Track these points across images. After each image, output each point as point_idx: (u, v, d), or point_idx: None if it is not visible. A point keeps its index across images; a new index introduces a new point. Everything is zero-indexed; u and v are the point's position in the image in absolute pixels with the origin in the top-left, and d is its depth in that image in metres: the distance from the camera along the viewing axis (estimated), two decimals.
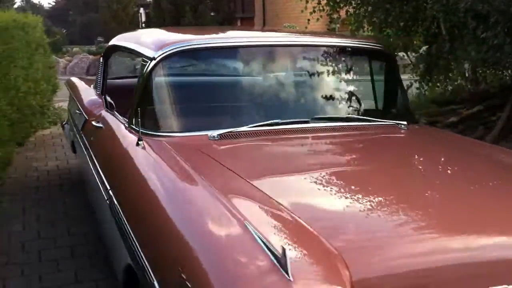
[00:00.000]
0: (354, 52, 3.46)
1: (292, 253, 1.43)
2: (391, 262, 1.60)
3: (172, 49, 2.86)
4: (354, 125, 2.93)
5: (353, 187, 2.16)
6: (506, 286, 1.57)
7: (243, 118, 2.83)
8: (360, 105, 3.26)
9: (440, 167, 2.56)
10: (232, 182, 2.04)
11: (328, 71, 3.33)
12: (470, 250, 1.68)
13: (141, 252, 1.94)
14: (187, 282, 1.50)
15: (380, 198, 2.00)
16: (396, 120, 3.03)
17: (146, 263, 1.86)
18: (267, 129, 2.65)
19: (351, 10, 7.88)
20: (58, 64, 14.27)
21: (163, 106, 2.86)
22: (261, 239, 1.46)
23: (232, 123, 2.69)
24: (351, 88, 3.33)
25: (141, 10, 36.60)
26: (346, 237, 1.70)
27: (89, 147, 3.59)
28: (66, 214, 4.50)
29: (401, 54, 11.31)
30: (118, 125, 3.11)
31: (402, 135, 2.98)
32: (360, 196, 2.04)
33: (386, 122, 3.03)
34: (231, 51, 3.22)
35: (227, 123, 2.70)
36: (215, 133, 2.55)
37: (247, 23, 26.19)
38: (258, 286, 1.36)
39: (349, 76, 3.42)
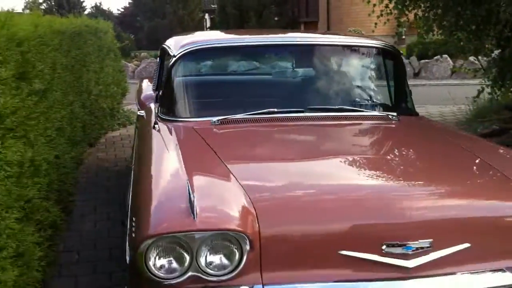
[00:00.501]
0: (358, 50, 3.74)
1: (209, 201, 2.06)
2: (305, 201, 2.21)
3: (187, 49, 3.37)
4: (344, 115, 3.23)
5: (302, 162, 2.69)
6: (398, 242, 2.00)
7: (243, 107, 3.20)
8: (356, 97, 3.59)
9: (396, 150, 2.99)
10: (203, 155, 2.60)
11: (328, 67, 3.75)
12: (373, 210, 2.13)
13: (129, 203, 2.62)
14: (133, 217, 2.21)
15: (315, 170, 2.55)
16: (389, 112, 3.32)
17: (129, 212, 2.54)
18: (264, 117, 3.08)
19: (420, 13, 7.68)
20: (127, 68, 14.71)
21: (177, 96, 3.35)
22: (189, 192, 2.00)
23: (233, 111, 3.11)
24: (348, 82, 3.69)
25: (206, 15, 37.33)
26: (267, 195, 2.25)
27: (135, 134, 4.11)
28: None
29: (471, 58, 10.92)
30: (153, 113, 3.53)
31: (387, 125, 3.27)
32: (301, 168, 2.58)
33: (375, 113, 3.39)
34: (237, 50, 3.74)
35: (229, 111, 3.11)
36: (215, 118, 3.02)
37: (311, 27, 26.07)
38: (170, 220, 2.00)
39: (351, 72, 3.76)
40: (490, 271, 2.14)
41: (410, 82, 14.09)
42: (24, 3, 38.52)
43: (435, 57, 14.27)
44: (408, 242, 2.02)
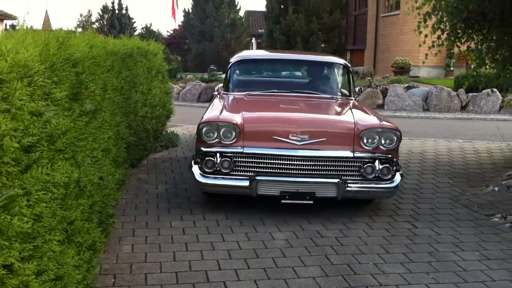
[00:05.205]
0: (326, 63, 7.28)
1: (227, 114, 5.46)
2: (263, 118, 5.71)
3: (237, 59, 7.12)
4: (309, 95, 6.57)
5: (276, 108, 6.01)
6: (295, 134, 5.10)
7: (261, 89, 6.63)
8: (319, 87, 6.88)
9: (319, 105, 6.36)
10: (234, 104, 6.05)
11: (308, 72, 7.56)
12: (287, 113, 5.89)
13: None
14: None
15: (278, 107, 6.04)
16: (336, 96, 6.63)
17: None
18: (270, 93, 6.51)
19: (472, 45, 7.52)
20: (172, 90, 14.90)
21: (230, 82, 6.88)
22: (222, 108, 5.67)
23: (255, 90, 6.59)
24: (317, 79, 7.26)
25: (253, 40, 37.72)
26: (250, 115, 5.44)
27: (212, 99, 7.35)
28: (172, 238, 4.58)
29: None
30: (220, 91, 7.02)
31: (328, 100, 6.49)
32: (274, 109, 5.96)
33: (325, 95, 6.60)
34: (263, 61, 7.72)
35: (253, 90, 6.59)
36: (245, 93, 6.46)
37: (357, 55, 25.97)
38: (210, 118, 5.33)
39: (320, 74, 7.32)
40: (333, 150, 5.13)
41: (457, 115, 13.91)
42: (77, 21, 39.85)
43: (484, 90, 13.90)
44: (299, 135, 5.09)
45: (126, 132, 5.82)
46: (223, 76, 19.51)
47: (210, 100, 17.24)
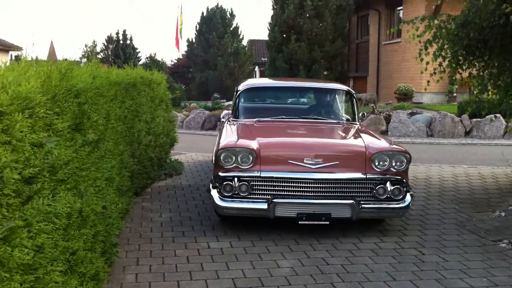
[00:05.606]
0: (331, 89, 7.65)
1: (243, 140, 5.58)
2: (278, 143, 6.01)
3: (245, 87, 7.41)
4: (317, 121, 6.87)
5: (287, 133, 6.41)
6: (309, 158, 5.36)
7: (269, 115, 6.90)
8: (325, 113, 7.23)
9: (329, 130, 6.68)
10: (246, 130, 6.23)
11: (314, 98, 7.95)
12: (305, 139, 6.22)
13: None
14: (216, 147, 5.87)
15: (290, 132, 6.45)
16: (342, 121, 6.98)
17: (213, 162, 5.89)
18: (278, 119, 6.77)
19: (474, 72, 7.54)
20: (176, 118, 14.96)
21: (239, 110, 7.12)
22: (237, 136, 5.79)
23: (264, 117, 6.80)
24: (323, 105, 7.57)
25: (256, 68, 38.04)
26: (265, 140, 5.70)
27: (219, 127, 8.02)
28: (176, 267, 4.54)
29: None
30: (228, 119, 7.16)
31: (335, 125, 6.80)
32: (286, 135, 6.35)
33: (332, 120, 6.95)
34: (270, 88, 8.22)
35: (262, 117, 6.80)
36: (255, 120, 6.68)
37: (360, 82, 26.10)
38: (228, 144, 5.53)
39: (326, 100, 7.64)
40: (346, 173, 5.39)
41: (461, 141, 13.91)
42: (82, 51, 40.32)
43: (488, 116, 13.90)
44: (313, 159, 5.35)
45: (130, 161, 5.83)
46: (226, 103, 20.29)
47: (214, 127, 17.42)
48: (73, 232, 2.89)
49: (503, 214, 6.30)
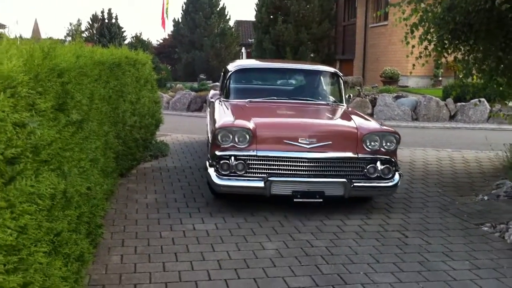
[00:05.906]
0: (320, 71, 7.84)
1: (239, 120, 5.70)
2: (273, 124, 6.18)
3: (236, 68, 7.54)
4: (306, 102, 7.06)
5: (278, 113, 6.65)
6: (304, 138, 5.53)
7: (260, 96, 7.08)
8: (313, 94, 7.41)
9: (317, 110, 6.86)
10: (239, 110, 6.34)
11: (303, 79, 8.12)
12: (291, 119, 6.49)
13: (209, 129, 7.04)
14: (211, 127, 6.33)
15: (283, 113, 6.68)
16: (330, 102, 7.17)
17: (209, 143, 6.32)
18: (269, 100, 6.97)
19: (459, 56, 7.56)
20: (161, 99, 14.86)
21: (230, 90, 7.25)
22: (232, 116, 5.94)
23: (255, 97, 6.96)
24: (311, 87, 7.77)
25: (243, 49, 37.83)
26: (260, 120, 5.86)
27: (208, 108, 8.32)
28: (162, 248, 4.54)
29: (511, 103, 10.66)
30: (217, 99, 7.37)
31: (323, 106, 7.04)
32: (276, 114, 6.60)
33: (320, 101, 7.17)
34: (261, 70, 8.33)
35: (253, 97, 6.95)
36: (247, 100, 6.85)
37: (347, 65, 26.10)
38: (225, 124, 5.62)
39: (313, 82, 7.83)
40: (339, 152, 5.57)
41: (446, 124, 14.00)
42: (66, 30, 39.75)
43: (472, 100, 14.00)
44: (307, 139, 5.51)
45: (115, 142, 5.78)
46: (212, 84, 20.20)
47: (200, 109, 17.38)
48: (57, 213, 2.86)
49: (485, 198, 6.38)
